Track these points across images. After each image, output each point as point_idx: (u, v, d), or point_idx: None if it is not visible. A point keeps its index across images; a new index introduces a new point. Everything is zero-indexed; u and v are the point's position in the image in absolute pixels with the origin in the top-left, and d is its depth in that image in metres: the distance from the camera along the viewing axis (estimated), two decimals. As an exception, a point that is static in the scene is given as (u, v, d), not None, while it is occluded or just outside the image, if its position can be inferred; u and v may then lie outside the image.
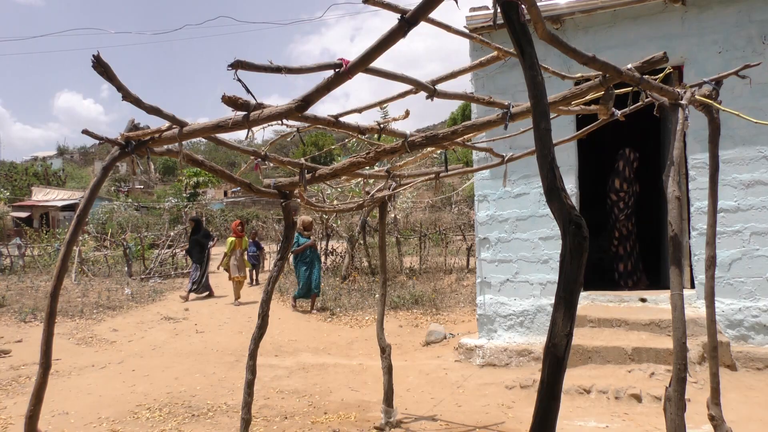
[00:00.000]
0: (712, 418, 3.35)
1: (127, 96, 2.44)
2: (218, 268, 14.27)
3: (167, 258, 19.48)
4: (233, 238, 13.10)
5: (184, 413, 5.74)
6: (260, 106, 2.43)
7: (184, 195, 42.05)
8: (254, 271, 15.88)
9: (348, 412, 5.60)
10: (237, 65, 1.96)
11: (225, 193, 54.37)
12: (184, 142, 2.83)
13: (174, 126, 2.73)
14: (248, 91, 2.19)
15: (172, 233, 21.28)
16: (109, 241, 22.22)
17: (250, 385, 4.14)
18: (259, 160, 3.53)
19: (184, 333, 10.08)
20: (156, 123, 2.83)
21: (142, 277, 17.25)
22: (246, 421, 4.13)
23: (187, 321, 11.08)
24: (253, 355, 4.15)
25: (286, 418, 5.53)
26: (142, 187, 56.89)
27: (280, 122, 2.78)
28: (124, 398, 6.30)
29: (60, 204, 40.03)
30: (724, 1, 6.42)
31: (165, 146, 2.99)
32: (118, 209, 35.12)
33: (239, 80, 2.01)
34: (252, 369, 4.14)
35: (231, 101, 2.33)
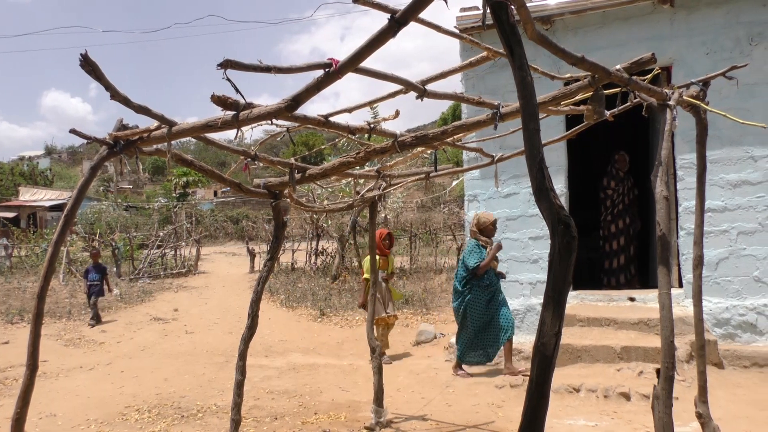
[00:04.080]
0: (699, 416, 3.38)
1: (116, 95, 2.42)
2: (364, 308, 7.92)
3: (157, 258, 19.38)
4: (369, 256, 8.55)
5: (174, 414, 5.70)
6: (250, 105, 2.43)
7: (174, 195, 41.86)
8: (93, 303, 10.98)
9: (338, 412, 5.60)
10: (226, 65, 1.96)
11: (215, 193, 54.16)
12: (173, 142, 2.82)
13: (163, 126, 2.72)
14: (237, 90, 2.19)
15: (161, 233, 21.17)
16: (97, 241, 22.07)
17: (239, 386, 4.13)
18: (249, 160, 3.52)
19: (173, 334, 10.03)
20: (145, 122, 2.81)
21: (131, 277, 17.16)
22: (236, 422, 4.12)
23: (177, 322, 11.03)
24: (242, 356, 4.14)
25: (276, 418, 5.51)
26: (131, 187, 56.56)
27: (269, 122, 2.78)
28: (113, 400, 6.26)
29: (47, 204, 39.70)
30: (713, 3, 6.48)
31: (154, 146, 2.97)
32: (107, 209, 34.87)
33: (228, 80, 2.00)
34: (242, 369, 4.13)
35: (220, 101, 2.32)
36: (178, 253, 21.46)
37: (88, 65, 2.25)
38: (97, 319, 10.75)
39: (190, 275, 18.72)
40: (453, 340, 7.61)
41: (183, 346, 9.06)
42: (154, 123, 2.76)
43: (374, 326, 7.53)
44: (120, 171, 2.94)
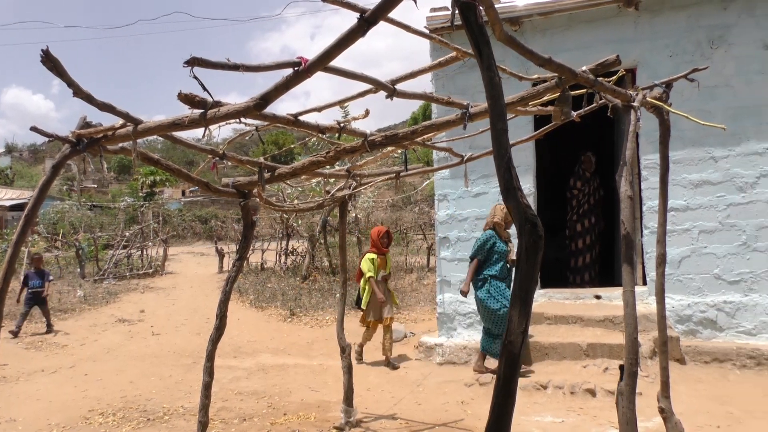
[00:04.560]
0: (662, 411, 3.45)
1: (78, 92, 2.36)
2: (359, 307, 7.72)
3: (122, 259, 19.02)
4: (374, 255, 7.53)
5: (139, 417, 5.61)
6: (217, 104, 2.40)
7: (141, 194, 41.08)
8: (43, 312, 10.31)
9: (308, 412, 5.57)
10: (193, 62, 1.93)
11: (183, 193, 53.35)
12: (139, 141, 2.76)
13: (128, 124, 2.66)
14: (204, 88, 2.16)
15: (127, 233, 20.78)
16: (60, 241, 21.55)
17: (207, 387, 4.08)
18: (217, 159, 3.48)
19: (139, 335, 9.86)
20: (110, 120, 2.75)
21: (96, 278, 16.81)
22: (203, 424, 4.07)
23: (143, 323, 10.85)
24: (210, 357, 4.09)
25: (244, 419, 5.46)
26: (96, 186, 55.35)
27: (238, 121, 2.75)
28: (76, 403, 6.12)
29: (8, 203, 38.53)
30: (675, 7, 6.63)
31: (119, 144, 2.91)
32: (71, 209, 34.05)
33: (195, 77, 1.97)
34: (209, 371, 4.08)
35: (187, 99, 2.29)
36: (144, 253, 21.11)
37: (50, 61, 2.19)
38: (48, 328, 10.11)
39: (157, 276, 18.43)
40: (424, 338, 7.65)
41: (149, 348, 8.91)
42: (119, 121, 2.70)
43: (369, 328, 7.49)
44: (83, 170, 2.88)
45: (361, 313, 7.58)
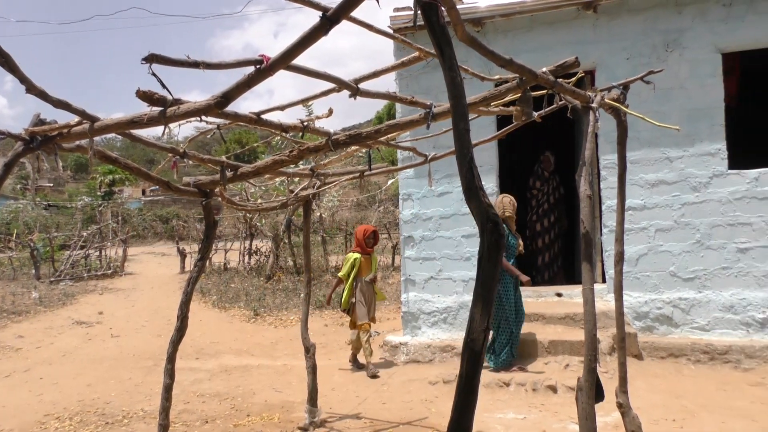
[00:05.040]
0: (620, 406, 3.53)
1: (32, 88, 2.29)
2: (329, 304, 7.98)
3: (80, 259, 18.53)
4: (357, 255, 7.20)
5: (97, 421, 5.48)
6: (177, 101, 2.36)
7: (99, 193, 40.09)
8: None
9: (271, 413, 5.53)
10: (151, 59, 1.89)
11: (143, 192, 52.28)
12: (96, 138, 2.69)
13: (84, 121, 2.59)
14: (164, 86, 2.12)
15: (85, 233, 20.25)
16: (14, 242, 20.87)
17: (168, 390, 4.01)
18: (178, 157, 3.42)
19: (97, 338, 9.62)
20: (66, 118, 2.68)
21: (52, 279, 16.33)
22: (164, 427, 3.99)
23: (102, 325, 10.59)
24: (171, 359, 4.02)
25: (206, 422, 5.38)
26: (51, 185, 53.80)
27: (199, 119, 2.71)
28: (31, 408, 5.94)
29: (-42, 203, 37.16)
30: (632, 10, 6.79)
31: (75, 142, 2.83)
32: (25, 208, 33.00)
33: (154, 74, 1.93)
34: (170, 373, 4.01)
35: (146, 96, 2.24)
36: (103, 253, 20.60)
37: (1, 56, 2.12)
38: None
39: (116, 277, 18.02)
40: (389, 337, 7.66)
41: (108, 351, 8.70)
42: (75, 118, 2.63)
43: (357, 332, 7.04)
44: (37, 168, 2.79)
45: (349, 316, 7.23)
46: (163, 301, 13.08)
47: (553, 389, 5.51)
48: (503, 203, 6.44)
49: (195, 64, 2.06)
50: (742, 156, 6.97)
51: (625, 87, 3.37)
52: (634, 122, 4.63)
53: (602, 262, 7.09)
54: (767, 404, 5.00)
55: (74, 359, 8.23)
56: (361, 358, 7.12)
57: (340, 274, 7.20)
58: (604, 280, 7.01)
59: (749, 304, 6.35)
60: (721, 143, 6.53)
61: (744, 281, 6.40)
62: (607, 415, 4.65)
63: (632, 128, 4.35)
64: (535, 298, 7.32)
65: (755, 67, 8.64)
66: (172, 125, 2.58)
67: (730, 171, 6.51)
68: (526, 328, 6.53)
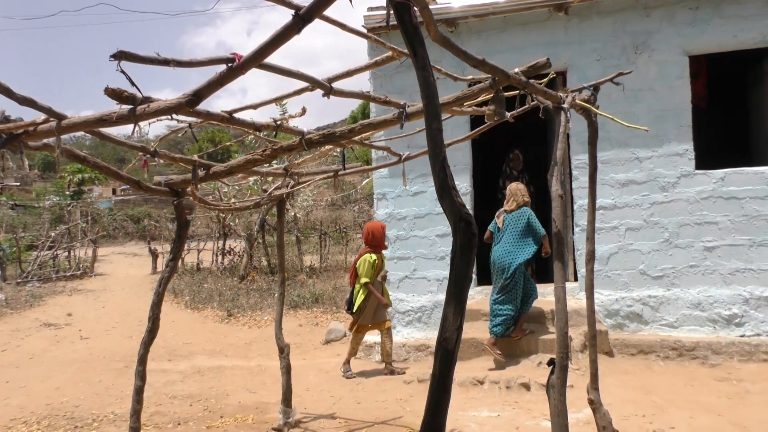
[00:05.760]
0: (591, 402, 3.59)
1: (-4, 85, 2.24)
2: (350, 311, 6.91)
3: (48, 260, 18.14)
4: (375, 257, 6.80)
5: (66, 425, 5.37)
6: (147, 99, 2.32)
7: (68, 193, 39.28)
8: None
9: (245, 414, 5.48)
10: (120, 56, 1.86)
11: (114, 191, 51.40)
12: (64, 137, 2.64)
13: (51, 119, 2.54)
14: (133, 83, 2.08)
15: (53, 233, 19.82)
16: (-21, 242, 20.32)
17: (139, 392, 3.95)
18: (148, 156, 3.37)
19: (66, 340, 9.43)
20: (32, 115, 2.62)
21: (19, 281, 15.96)
22: (135, 430, 3.93)
23: (71, 327, 10.39)
24: (142, 360, 3.96)
25: (179, 424, 5.32)
26: (18, 184, 52.54)
27: (170, 117, 2.67)
28: (-3, 413, 5.80)
29: None
30: (602, 13, 6.89)
31: (42, 140, 2.77)
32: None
33: (123, 72, 1.90)
34: (141, 375, 3.95)
35: (115, 94, 2.21)
36: (72, 254, 20.18)
37: (-36, 51, 2.06)
38: None
39: (85, 277, 17.67)
40: (365, 337, 7.64)
41: (77, 353, 8.54)
42: (42, 116, 2.57)
43: (357, 335, 6.82)
44: (2, 167, 2.73)
45: (351, 317, 6.90)
46: (134, 302, 12.89)
47: (527, 387, 5.57)
48: (518, 190, 6.43)
49: (165, 62, 2.04)
50: (712, 158, 7.14)
51: (596, 88, 3.42)
52: (604, 123, 4.70)
53: (574, 260, 7.18)
54: (733, 399, 5.13)
55: (42, 362, 8.05)
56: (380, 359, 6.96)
57: (365, 280, 6.65)
58: (576, 279, 7.10)
59: (716, 301, 6.50)
60: (688, 144, 6.66)
61: (711, 279, 6.55)
62: (578, 411, 4.72)
63: (603, 129, 4.42)
64: (509, 297, 7.37)
65: (724, 70, 8.88)
66: (142, 123, 2.54)
67: (697, 171, 6.65)
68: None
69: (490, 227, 6.65)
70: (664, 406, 5.00)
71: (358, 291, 6.75)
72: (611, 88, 3.84)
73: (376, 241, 6.85)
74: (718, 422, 4.59)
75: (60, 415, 5.69)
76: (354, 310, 6.75)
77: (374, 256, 6.77)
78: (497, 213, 6.64)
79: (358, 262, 6.81)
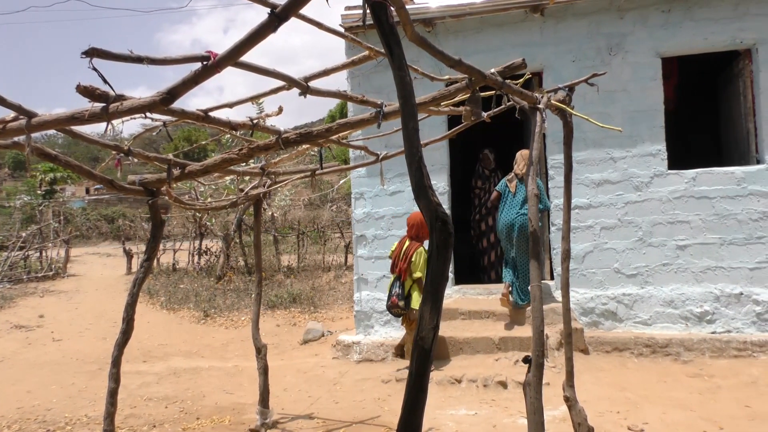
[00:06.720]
0: (567, 399, 3.63)
1: (-37, 81, 2.18)
2: (406, 310, 6.36)
3: (18, 261, 17.77)
4: (425, 251, 6.40)
5: (38, 429, 5.27)
6: (120, 97, 2.28)
7: (39, 192, 38.52)
8: None
9: (222, 416, 5.44)
10: (92, 53, 1.83)
11: (87, 190, 50.54)
12: (36, 135, 2.59)
13: (21, 117, 2.49)
14: (105, 81, 2.05)
15: (24, 234, 19.42)
16: (-53, 243, 19.83)
17: (113, 394, 3.88)
18: (122, 155, 3.31)
19: (38, 342, 9.25)
20: (1, 113, 2.57)
21: (-12, 282, 15.61)
22: (109, 433, 3.87)
23: (42, 329, 10.19)
24: (116, 362, 3.90)
25: (154, 426, 5.25)
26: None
27: (144, 116, 2.63)
28: (-34, 418, 5.67)
29: None
30: (577, 14, 6.97)
31: (11, 139, 2.71)
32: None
33: (95, 69, 1.87)
34: (115, 377, 3.89)
35: (87, 91, 2.16)
36: (44, 254, 19.80)
37: (-71, 47, 2.01)
38: None
39: (58, 278, 17.34)
40: (341, 336, 7.64)
41: (49, 355, 8.38)
42: (11, 114, 2.52)
43: (412, 330, 6.39)
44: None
45: (404, 314, 6.48)
46: (108, 303, 12.69)
47: (504, 385, 5.61)
48: (521, 156, 6.76)
49: (138, 59, 2.01)
50: (684, 158, 7.27)
51: (571, 89, 3.46)
52: (579, 123, 4.75)
53: (550, 259, 7.26)
54: (704, 394, 5.23)
55: (13, 365, 7.89)
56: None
57: (419, 275, 6.30)
58: (552, 277, 7.18)
59: (688, 299, 6.62)
60: (661, 144, 6.78)
61: (683, 277, 6.67)
62: (555, 408, 4.77)
63: (578, 129, 4.46)
64: (486, 296, 7.41)
65: (694, 72, 9.03)
66: (115, 122, 2.50)
67: (669, 171, 6.77)
68: (476, 325, 6.62)
69: (499, 188, 6.88)
70: (638, 402, 5.07)
71: (411, 285, 6.39)
72: (586, 89, 3.89)
73: (421, 233, 6.46)
74: (691, 417, 4.68)
75: (32, 419, 5.57)
76: (411, 306, 6.32)
77: (424, 252, 6.39)
78: (508, 177, 6.83)
79: (414, 255, 6.35)
